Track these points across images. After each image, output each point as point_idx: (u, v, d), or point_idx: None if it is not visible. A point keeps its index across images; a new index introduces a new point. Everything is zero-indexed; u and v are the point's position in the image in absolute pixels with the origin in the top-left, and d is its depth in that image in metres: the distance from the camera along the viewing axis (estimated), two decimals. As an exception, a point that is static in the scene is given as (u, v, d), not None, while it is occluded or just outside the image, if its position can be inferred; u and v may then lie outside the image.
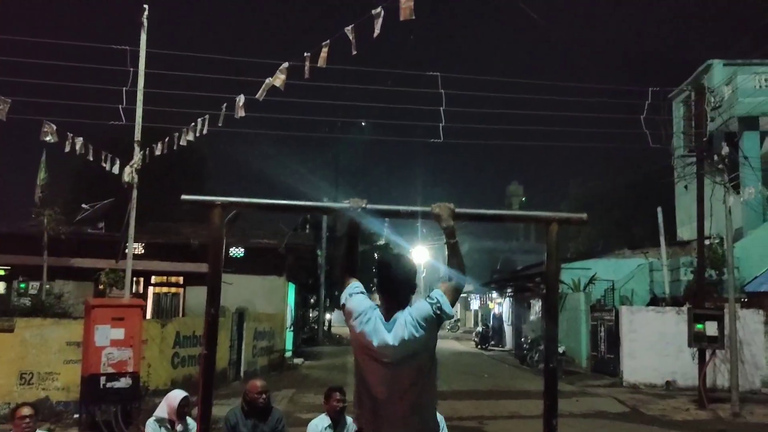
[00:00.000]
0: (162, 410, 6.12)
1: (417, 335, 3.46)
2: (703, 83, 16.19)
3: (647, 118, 14.98)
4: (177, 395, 6.17)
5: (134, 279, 13.95)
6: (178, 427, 6.10)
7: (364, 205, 3.54)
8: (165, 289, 20.50)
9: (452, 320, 35.99)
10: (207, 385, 3.33)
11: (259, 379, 6.73)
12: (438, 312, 3.52)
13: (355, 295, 3.62)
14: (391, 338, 3.45)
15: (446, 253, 3.65)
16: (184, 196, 3.39)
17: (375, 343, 3.46)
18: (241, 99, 9.48)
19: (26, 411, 5.80)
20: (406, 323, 3.48)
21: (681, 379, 18.07)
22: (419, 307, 3.55)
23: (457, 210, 3.55)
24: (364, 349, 3.53)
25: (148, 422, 6.12)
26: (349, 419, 6.45)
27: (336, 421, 6.33)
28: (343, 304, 3.64)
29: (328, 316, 38.21)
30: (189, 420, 6.23)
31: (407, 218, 3.66)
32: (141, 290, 19.67)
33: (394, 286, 3.62)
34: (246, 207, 3.46)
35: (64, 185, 27.85)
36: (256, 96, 8.69)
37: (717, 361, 17.02)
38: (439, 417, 5.45)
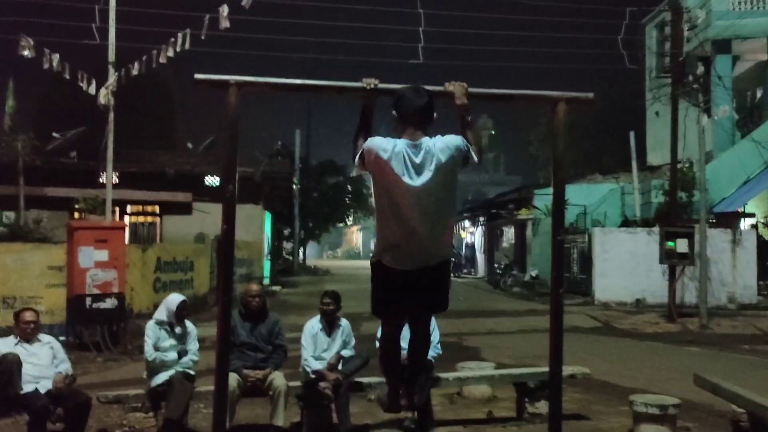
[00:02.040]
0: (161, 313, 6.21)
1: (444, 160, 3.57)
2: (680, 3, 16.16)
3: (624, 39, 14.99)
4: (175, 299, 6.25)
5: (111, 209, 13.79)
6: (177, 329, 6.20)
7: (376, 83, 3.56)
8: (141, 219, 20.35)
9: None
10: (227, 265, 3.39)
11: (255, 283, 6.85)
12: (467, 148, 3.62)
13: (374, 138, 3.63)
14: (421, 163, 3.54)
15: (461, 131, 3.69)
16: (197, 75, 3.36)
17: (405, 170, 3.54)
18: (224, 9, 9.27)
19: (30, 315, 5.83)
20: (435, 147, 3.56)
21: (650, 297, 18.67)
22: (449, 137, 3.64)
23: (470, 89, 3.60)
24: (392, 179, 3.56)
25: (148, 324, 6.21)
26: (344, 321, 6.63)
27: (329, 323, 6.49)
28: (360, 153, 3.63)
29: (302, 250, 38.36)
30: (187, 322, 6.33)
31: None
32: (117, 219, 19.49)
33: (418, 114, 3.61)
34: (260, 87, 3.44)
35: (32, 114, 27.20)
36: (242, 3, 8.48)
37: (685, 279, 17.56)
38: (432, 319, 5.65)
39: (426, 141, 3.59)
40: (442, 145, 3.58)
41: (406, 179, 3.54)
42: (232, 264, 3.42)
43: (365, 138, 3.68)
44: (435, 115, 3.69)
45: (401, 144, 3.57)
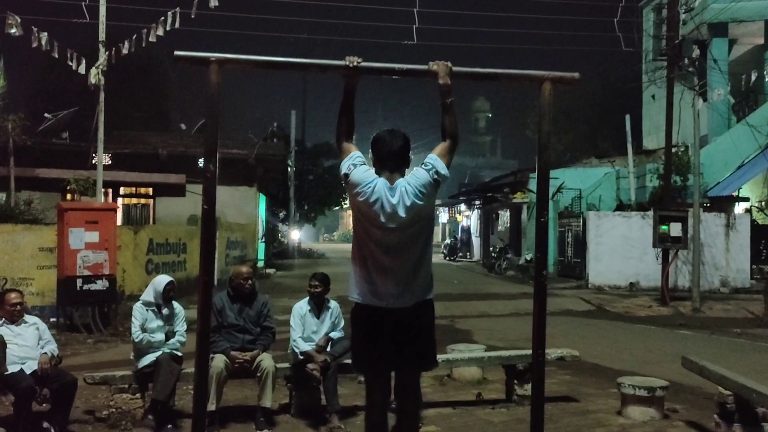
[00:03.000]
0: (148, 294, 6.18)
1: (419, 202, 3.62)
2: (677, -15, 16.04)
3: (620, 21, 14.89)
4: (162, 280, 6.22)
5: (103, 190, 13.71)
6: (164, 310, 6.17)
7: (359, 61, 3.50)
8: (134, 200, 20.26)
9: None
10: (208, 246, 3.35)
11: (245, 265, 6.81)
12: (435, 177, 3.66)
13: (359, 166, 3.69)
14: (396, 204, 3.60)
15: (441, 113, 3.66)
16: (177, 52, 3.29)
17: (382, 212, 3.60)
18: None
19: (15, 297, 5.78)
20: (407, 192, 3.62)
21: (644, 280, 18.72)
22: (417, 175, 3.69)
23: (455, 68, 3.54)
24: (369, 219, 3.64)
25: (135, 305, 6.19)
26: (334, 303, 6.60)
27: (318, 305, 6.47)
28: (346, 175, 3.71)
29: (297, 233, 38.30)
30: (175, 303, 6.30)
31: (404, 76, 3.63)
32: (110, 201, 19.42)
33: (393, 158, 3.72)
34: (241, 64, 3.38)
35: (23, 95, 27.04)
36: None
37: (678, 263, 17.62)
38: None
39: (400, 183, 3.66)
40: (413, 189, 3.63)
41: (382, 220, 3.62)
42: (214, 245, 3.37)
43: (348, 136, 3.77)
44: (411, 157, 3.82)
45: (380, 184, 3.64)
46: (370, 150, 3.81)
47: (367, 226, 3.69)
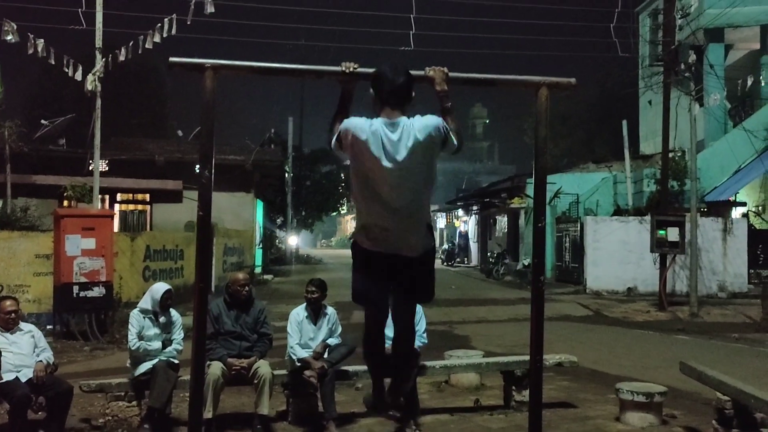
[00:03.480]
0: (146, 302, 6.15)
1: (421, 139, 3.45)
2: (673, -9, 16.11)
3: (616, 27, 14.93)
4: (160, 288, 6.20)
5: (100, 197, 13.69)
6: (161, 318, 6.14)
7: (355, 67, 3.49)
8: (131, 207, 20.23)
9: None
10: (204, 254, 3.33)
11: (242, 272, 6.79)
12: (446, 130, 3.50)
13: (352, 118, 3.53)
14: (398, 140, 3.44)
15: (442, 116, 3.62)
16: (172, 59, 3.28)
17: (382, 148, 3.44)
18: (210, -7, 9.17)
19: (10, 304, 5.75)
20: (412, 127, 3.46)
21: (642, 285, 18.71)
22: (427, 117, 3.52)
23: (451, 74, 3.53)
24: (368, 157, 3.46)
25: (132, 313, 6.15)
26: (331, 309, 6.58)
27: (315, 311, 6.45)
28: (337, 135, 3.52)
29: (295, 239, 38.27)
30: (172, 311, 6.28)
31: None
32: (107, 208, 19.40)
33: (395, 93, 3.51)
34: (237, 70, 3.37)
35: (21, 102, 27.02)
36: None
37: (676, 267, 17.62)
38: (418, 307, 5.61)
39: (403, 120, 3.49)
40: (420, 124, 3.47)
41: (383, 160, 3.45)
42: (210, 252, 3.36)
43: (342, 122, 3.57)
44: (413, 93, 3.59)
45: (378, 123, 3.48)
46: (371, 88, 3.57)
47: (366, 169, 3.49)
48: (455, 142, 3.52)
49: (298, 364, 6.17)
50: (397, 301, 3.83)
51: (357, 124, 3.48)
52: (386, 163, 3.45)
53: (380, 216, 3.54)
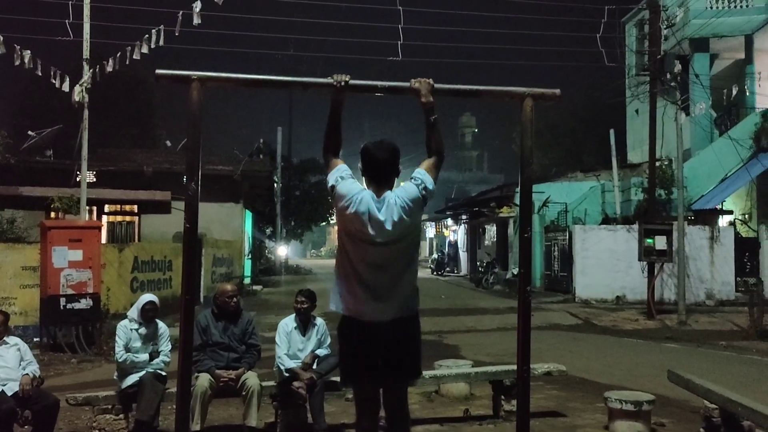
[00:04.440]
0: (133, 312, 6.14)
1: (406, 217, 3.59)
2: (658, 1, 16.25)
3: (603, 37, 15.06)
4: (143, 298, 6.19)
5: (87, 208, 13.60)
6: (146, 329, 6.10)
7: (347, 80, 3.50)
8: (119, 218, 20.12)
9: None
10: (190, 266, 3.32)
11: (230, 283, 6.76)
12: (424, 192, 3.64)
13: (347, 179, 3.66)
14: (384, 220, 3.57)
15: (426, 131, 3.66)
16: (158, 71, 3.29)
17: (369, 224, 3.56)
18: (197, 5, 9.18)
19: (-3, 317, 5.72)
20: (396, 205, 3.58)
21: (630, 294, 18.79)
22: (406, 189, 3.66)
23: (436, 85, 3.55)
24: (355, 232, 3.61)
25: (119, 324, 6.14)
26: (320, 320, 6.56)
27: (304, 321, 6.43)
28: (332, 186, 3.68)
29: (284, 249, 38.16)
30: (159, 323, 6.24)
31: (387, 94, 3.64)
32: (95, 219, 19.28)
33: (380, 170, 3.68)
34: (223, 82, 3.38)
35: (8, 113, 26.88)
36: (216, -1, 8.40)
37: (664, 275, 17.71)
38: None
39: (388, 196, 3.63)
40: (401, 202, 3.61)
41: (369, 233, 3.58)
42: (196, 263, 3.35)
43: (335, 151, 3.73)
44: (400, 169, 3.76)
45: (367, 197, 3.61)
46: (360, 161, 3.77)
47: (353, 239, 3.65)
48: (431, 188, 3.66)
49: (287, 375, 6.15)
50: (386, 384, 3.88)
51: (349, 193, 3.61)
52: (371, 241, 3.58)
53: (362, 287, 3.67)
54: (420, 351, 3.90)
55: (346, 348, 3.84)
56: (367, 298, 3.65)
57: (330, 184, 3.69)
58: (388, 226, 3.56)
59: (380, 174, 3.67)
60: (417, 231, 3.79)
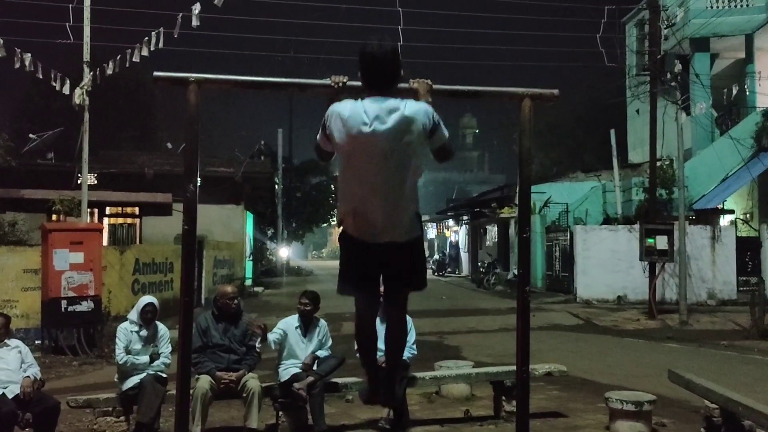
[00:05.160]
0: (133, 314, 6.15)
1: (409, 114, 3.30)
2: (658, 1, 16.25)
3: (603, 37, 15.06)
4: (143, 301, 6.20)
5: (89, 210, 13.61)
6: (146, 331, 6.11)
7: (344, 81, 3.48)
8: (120, 220, 20.14)
9: None
10: (189, 264, 3.33)
11: (230, 285, 6.77)
12: (437, 121, 3.36)
13: (336, 103, 3.40)
14: (382, 109, 3.29)
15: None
16: (156, 73, 3.29)
17: (366, 116, 3.29)
18: (197, 7, 9.20)
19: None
20: (401, 103, 3.32)
21: (632, 294, 18.77)
22: (422, 102, 3.40)
23: (435, 86, 3.54)
24: (353, 129, 3.31)
25: (119, 327, 6.16)
26: (322, 322, 6.57)
27: (306, 323, 6.44)
28: (322, 125, 3.41)
29: (285, 251, 38.16)
30: (159, 325, 6.25)
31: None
32: (96, 221, 19.31)
33: (381, 72, 3.37)
34: (221, 84, 3.38)
35: (8, 116, 26.91)
36: (215, 1, 8.42)
37: (666, 275, 17.69)
38: (408, 318, 5.60)
39: (391, 98, 3.34)
40: (411, 103, 3.33)
41: (364, 128, 3.27)
42: (195, 266, 3.35)
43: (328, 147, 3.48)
44: (401, 72, 3.44)
45: (364, 100, 3.34)
46: (359, 65, 3.42)
47: (348, 143, 3.34)
48: (445, 133, 3.40)
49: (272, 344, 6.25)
50: (388, 293, 3.66)
51: (341, 104, 3.36)
52: (370, 130, 3.27)
53: (364, 199, 3.38)
54: (425, 266, 3.73)
55: (347, 262, 3.60)
56: (373, 211, 3.38)
57: (322, 124, 3.41)
58: (389, 119, 3.26)
59: (381, 77, 3.36)
60: (420, 138, 3.36)
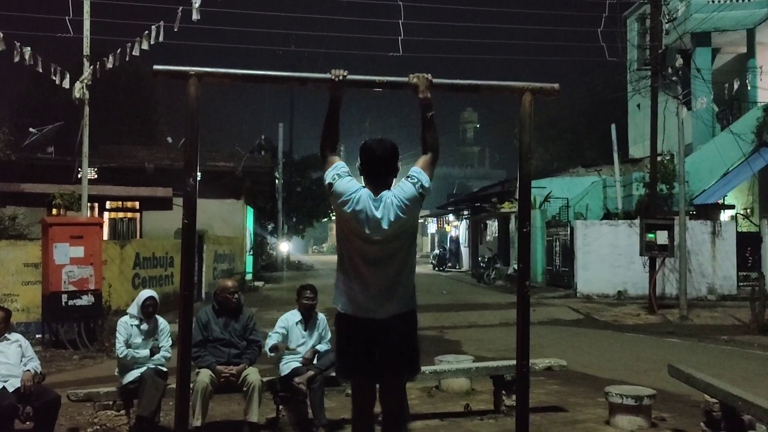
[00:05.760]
0: (133, 308, 6.16)
1: (403, 216, 3.59)
2: (659, -4, 16.20)
3: (604, 31, 15.03)
4: (143, 294, 6.20)
5: (89, 204, 13.60)
6: (144, 325, 6.12)
7: (345, 75, 3.49)
8: (121, 215, 20.14)
9: None
10: (189, 257, 3.32)
11: (230, 279, 6.76)
12: (420, 191, 3.65)
13: (344, 177, 3.66)
14: (380, 218, 3.57)
15: (421, 127, 3.66)
16: (156, 66, 3.29)
17: (365, 223, 3.56)
18: (197, 0, 9.17)
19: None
20: (393, 204, 3.59)
21: (632, 289, 18.76)
22: (403, 188, 3.66)
23: (435, 80, 3.54)
24: (352, 230, 3.62)
25: (120, 321, 6.16)
26: (321, 316, 6.58)
27: (307, 317, 6.45)
28: (330, 184, 3.66)
29: (286, 245, 38.15)
30: (160, 319, 6.25)
31: (385, 89, 3.63)
32: (96, 215, 19.29)
33: (378, 168, 3.68)
34: (221, 77, 3.37)
35: (8, 109, 26.89)
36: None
37: (666, 270, 17.69)
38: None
39: (386, 195, 3.63)
40: (398, 202, 3.61)
41: (366, 232, 3.59)
42: (194, 259, 3.35)
43: (332, 148, 3.71)
44: (398, 168, 3.76)
45: (364, 195, 3.61)
46: (359, 158, 3.76)
47: (350, 237, 3.66)
48: (428, 186, 3.66)
49: (271, 354, 6.23)
50: (382, 379, 3.86)
51: (345, 191, 3.61)
52: (368, 238, 3.59)
53: (360, 284, 3.67)
54: (418, 347, 3.90)
55: (343, 344, 3.84)
56: (365, 295, 3.66)
57: (327, 182, 3.68)
58: (385, 225, 3.57)
59: (378, 173, 3.67)
60: (414, 228, 3.80)
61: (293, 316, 6.45)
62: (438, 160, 3.70)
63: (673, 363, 6.51)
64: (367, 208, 3.57)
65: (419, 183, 3.63)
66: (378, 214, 3.57)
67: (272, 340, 6.27)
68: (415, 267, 3.85)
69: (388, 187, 3.68)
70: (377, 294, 3.65)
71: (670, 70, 15.64)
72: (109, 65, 11.34)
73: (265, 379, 6.10)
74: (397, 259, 3.68)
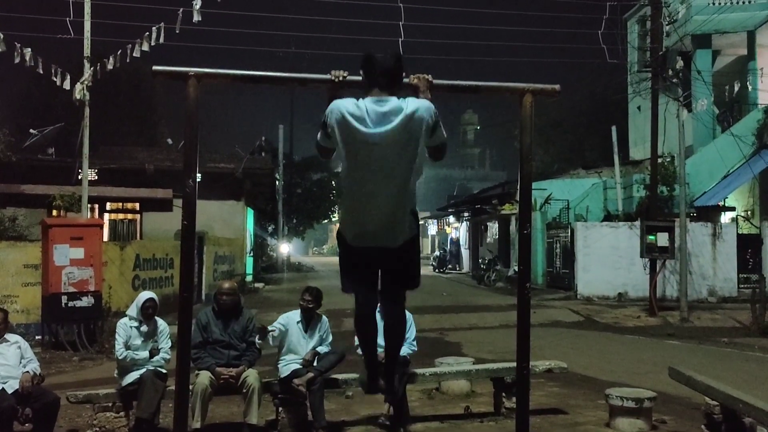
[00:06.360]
0: (132, 310, 6.15)
1: (411, 113, 3.37)
2: (660, -2, 16.21)
3: (604, 33, 15.03)
4: (142, 296, 6.19)
5: (89, 206, 13.60)
6: (143, 327, 6.11)
7: (345, 76, 3.48)
8: (121, 216, 20.13)
9: None
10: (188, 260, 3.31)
11: (228, 281, 6.75)
12: (437, 119, 3.42)
13: (338, 99, 3.47)
14: (384, 113, 3.36)
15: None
16: (155, 67, 3.28)
17: (366, 119, 3.36)
18: (198, 2, 9.17)
19: (-2, 316, 5.72)
20: (404, 102, 3.39)
21: (632, 290, 18.74)
22: (423, 100, 3.46)
23: (436, 81, 3.53)
24: (351, 129, 3.38)
25: (119, 322, 6.16)
26: (324, 318, 6.57)
27: (307, 319, 6.44)
28: (323, 121, 3.47)
29: (286, 247, 38.14)
30: (159, 321, 6.25)
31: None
32: (96, 217, 19.29)
33: (383, 75, 3.44)
34: (220, 78, 3.37)
35: (9, 111, 26.89)
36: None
37: (666, 272, 17.67)
38: (408, 315, 5.61)
39: (393, 98, 3.40)
40: (412, 102, 3.39)
41: (365, 129, 3.33)
42: (193, 261, 3.34)
43: (328, 142, 3.54)
44: (404, 78, 3.52)
45: (366, 100, 3.40)
46: (360, 69, 3.51)
47: (349, 143, 3.41)
48: (444, 133, 3.45)
49: (259, 340, 6.23)
50: (384, 289, 3.75)
51: (343, 102, 3.41)
52: (372, 133, 3.33)
53: (363, 209, 3.47)
54: (419, 266, 3.79)
55: (345, 260, 3.74)
56: (371, 216, 3.48)
57: (323, 122, 3.48)
58: (391, 119, 3.35)
59: (385, 78, 3.43)
60: (417, 142, 3.44)
61: (295, 315, 6.45)
62: (444, 154, 3.57)
63: (674, 365, 6.51)
64: (370, 107, 3.37)
65: (437, 112, 3.43)
66: (382, 109, 3.35)
67: (271, 329, 6.28)
68: (414, 194, 3.59)
69: (394, 93, 3.46)
70: (384, 216, 3.47)
71: (670, 72, 15.64)
72: (110, 66, 11.34)
73: (264, 381, 6.09)
74: (401, 166, 3.42)
